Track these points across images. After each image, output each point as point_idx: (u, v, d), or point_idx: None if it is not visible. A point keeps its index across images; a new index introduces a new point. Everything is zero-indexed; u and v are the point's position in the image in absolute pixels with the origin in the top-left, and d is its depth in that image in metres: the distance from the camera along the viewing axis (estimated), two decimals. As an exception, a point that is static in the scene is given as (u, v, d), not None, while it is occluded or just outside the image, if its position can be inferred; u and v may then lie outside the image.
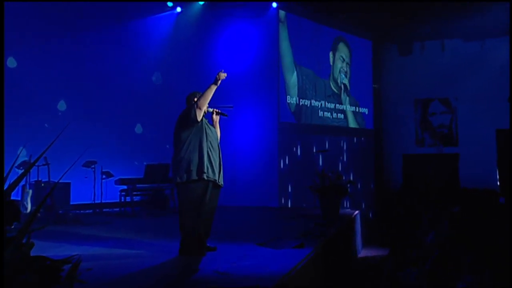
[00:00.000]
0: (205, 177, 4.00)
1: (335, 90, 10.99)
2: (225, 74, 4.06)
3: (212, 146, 4.13)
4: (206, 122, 4.23)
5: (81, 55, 8.61)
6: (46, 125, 7.83)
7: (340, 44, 11.16)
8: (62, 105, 8.50)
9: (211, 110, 4.35)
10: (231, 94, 9.19)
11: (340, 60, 11.07)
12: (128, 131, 9.37)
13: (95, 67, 8.74)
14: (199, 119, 4.01)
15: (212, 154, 4.11)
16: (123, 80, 9.03)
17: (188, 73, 9.63)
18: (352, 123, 11.40)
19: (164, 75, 9.62)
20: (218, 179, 4.16)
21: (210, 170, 4.05)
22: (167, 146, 8.63)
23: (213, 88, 4.06)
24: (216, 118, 4.39)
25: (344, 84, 11.23)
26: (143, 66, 9.35)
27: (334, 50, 11.01)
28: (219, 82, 4.07)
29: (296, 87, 9.89)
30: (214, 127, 4.35)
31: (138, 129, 9.55)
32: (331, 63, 10.95)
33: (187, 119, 4.05)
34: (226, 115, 4.41)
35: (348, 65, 11.31)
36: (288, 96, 9.78)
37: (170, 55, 9.65)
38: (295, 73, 9.89)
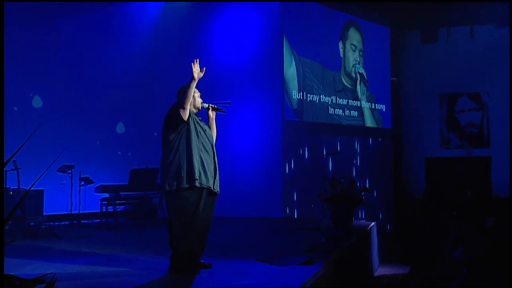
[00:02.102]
0: (197, 184, 4.00)
1: (347, 84, 10.98)
2: (197, 61, 3.99)
3: (204, 147, 4.12)
4: (198, 120, 4.22)
5: (56, 43, 8.61)
6: (15, 108, 7.84)
7: (350, 29, 11.14)
8: (37, 102, 8.50)
9: (206, 105, 4.33)
10: (228, 88, 9.20)
11: (351, 50, 11.05)
12: (113, 131, 9.37)
13: (72, 57, 8.74)
14: (185, 118, 4.01)
15: (205, 157, 4.09)
16: (104, 72, 9.03)
17: (179, 64, 9.60)
18: (368, 122, 11.39)
19: (152, 67, 9.62)
20: (213, 185, 4.15)
21: (203, 175, 4.04)
22: (155, 133, 8.66)
23: (193, 84, 4.04)
24: (212, 115, 4.38)
25: (360, 74, 11.20)
26: (128, 56, 9.35)
27: (344, 38, 10.99)
28: (196, 75, 4.03)
29: (296, 80, 9.86)
30: (210, 126, 4.34)
31: (120, 128, 9.55)
32: (342, 55, 10.93)
33: (172, 119, 4.04)
34: (223, 111, 4.40)
35: (361, 53, 11.29)
36: (294, 91, 9.78)
37: (159, 44, 9.65)
38: (293, 63, 9.83)
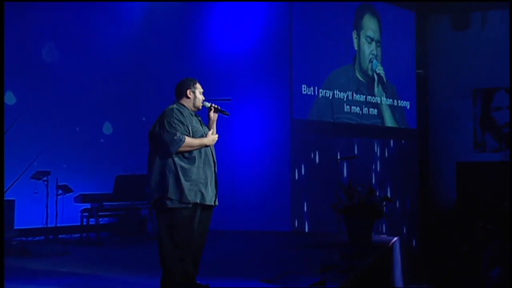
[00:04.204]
0: (190, 205, 3.99)
1: (363, 80, 10.97)
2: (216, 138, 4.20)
3: (206, 158, 4.10)
4: (200, 123, 4.20)
5: (32, 32, 8.64)
6: None
7: (365, 17, 11.10)
8: (10, 98, 8.53)
9: (208, 105, 4.29)
10: (228, 82, 9.21)
11: (367, 43, 11.03)
12: (94, 131, 9.39)
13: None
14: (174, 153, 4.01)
15: (205, 172, 4.08)
16: (87, 64, 9.05)
17: (174, 54, 9.62)
18: (389, 121, 11.38)
19: (143, 58, 9.64)
20: (212, 200, 4.14)
21: (199, 196, 4.02)
22: (144, 118, 8.72)
23: (201, 143, 4.09)
24: (213, 116, 4.32)
25: (378, 74, 11.19)
26: (116, 47, 9.37)
27: (358, 28, 10.96)
28: (212, 143, 4.16)
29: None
30: (209, 128, 4.30)
31: (107, 129, 9.56)
32: (356, 47, 10.92)
33: (159, 149, 4.02)
34: (227, 114, 4.30)
35: (378, 44, 11.27)
36: (304, 86, 9.79)
37: (151, 33, 9.68)
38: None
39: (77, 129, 9.13)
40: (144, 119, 8.93)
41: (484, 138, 11.95)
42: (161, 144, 3.99)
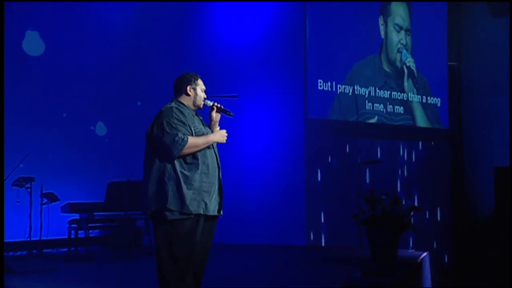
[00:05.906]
0: (192, 216, 3.99)
1: (390, 72, 10.95)
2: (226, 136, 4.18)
3: (209, 163, 4.10)
4: (201, 124, 4.21)
5: (17, 25, 8.71)
6: None
7: (394, 2, 11.08)
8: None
9: (210, 103, 4.28)
10: (233, 77, 9.24)
11: (395, 31, 11.01)
12: (85, 132, 9.44)
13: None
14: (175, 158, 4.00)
15: (210, 178, 4.07)
16: (78, 60, 9.11)
17: (173, 47, 9.65)
18: (421, 121, 11.33)
19: (140, 50, 9.68)
20: (216, 210, 4.15)
21: (202, 205, 4.02)
22: (138, 103, 8.70)
23: (208, 141, 4.08)
24: (216, 117, 4.31)
25: (408, 67, 11.15)
26: (108, 39, 9.42)
27: (385, 14, 10.95)
28: (222, 140, 4.17)
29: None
30: (211, 128, 4.30)
31: (101, 129, 9.60)
32: (383, 36, 10.90)
33: (161, 148, 3.99)
34: (231, 115, 4.28)
35: (408, 32, 11.25)
36: (320, 81, 9.78)
37: (148, 21, 9.71)
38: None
39: (65, 129, 9.17)
40: (139, 103, 9.01)
41: (526, 139, 11.88)
42: (161, 148, 3.96)
